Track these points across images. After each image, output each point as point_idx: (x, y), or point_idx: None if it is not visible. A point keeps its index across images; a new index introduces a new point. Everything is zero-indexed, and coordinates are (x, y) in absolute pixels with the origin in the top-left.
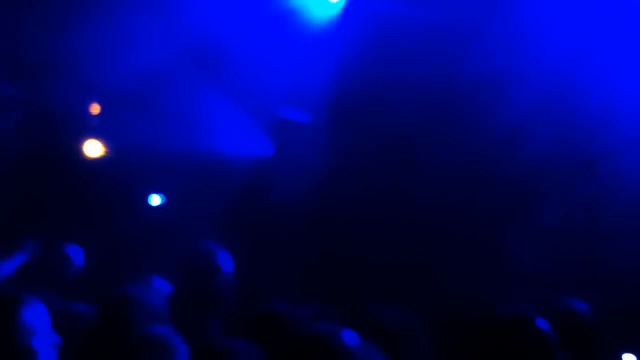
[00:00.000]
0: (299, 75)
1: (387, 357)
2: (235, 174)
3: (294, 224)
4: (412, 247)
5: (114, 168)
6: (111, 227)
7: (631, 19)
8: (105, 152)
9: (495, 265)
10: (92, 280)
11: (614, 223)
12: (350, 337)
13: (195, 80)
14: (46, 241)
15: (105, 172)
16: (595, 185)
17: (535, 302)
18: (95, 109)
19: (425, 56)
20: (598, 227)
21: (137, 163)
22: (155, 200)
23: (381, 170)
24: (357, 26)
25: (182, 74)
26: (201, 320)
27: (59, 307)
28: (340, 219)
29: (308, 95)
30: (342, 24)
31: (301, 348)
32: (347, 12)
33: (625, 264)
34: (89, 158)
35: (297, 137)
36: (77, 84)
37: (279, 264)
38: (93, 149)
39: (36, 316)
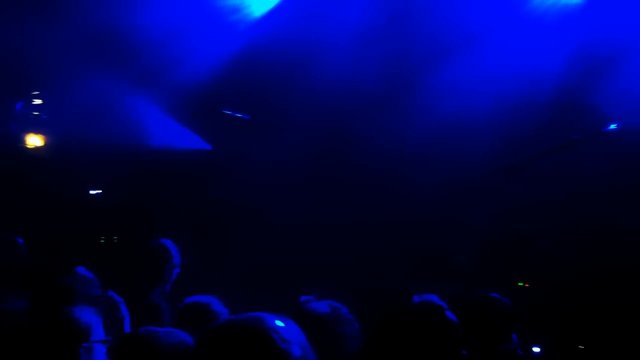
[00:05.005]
0: (239, 73)
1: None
2: (175, 168)
3: (235, 218)
4: (345, 243)
5: (53, 162)
6: (52, 219)
7: None
8: (46, 146)
9: (425, 261)
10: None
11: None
12: (277, 320)
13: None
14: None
15: (47, 165)
16: (519, 189)
17: (453, 295)
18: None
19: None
20: (518, 229)
21: (75, 157)
22: (93, 193)
23: (317, 167)
24: (293, 23)
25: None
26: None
27: None
28: (278, 215)
29: (249, 94)
30: (277, 19)
31: (228, 334)
32: (282, 8)
33: (541, 263)
34: (31, 151)
35: (237, 133)
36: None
37: (217, 255)
38: (34, 142)
39: None
